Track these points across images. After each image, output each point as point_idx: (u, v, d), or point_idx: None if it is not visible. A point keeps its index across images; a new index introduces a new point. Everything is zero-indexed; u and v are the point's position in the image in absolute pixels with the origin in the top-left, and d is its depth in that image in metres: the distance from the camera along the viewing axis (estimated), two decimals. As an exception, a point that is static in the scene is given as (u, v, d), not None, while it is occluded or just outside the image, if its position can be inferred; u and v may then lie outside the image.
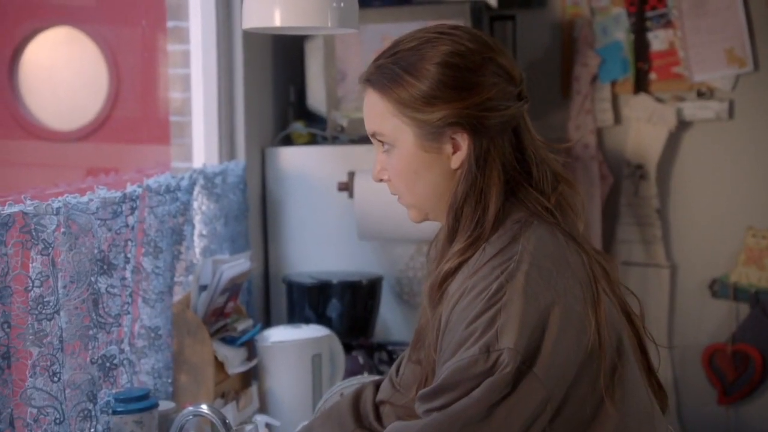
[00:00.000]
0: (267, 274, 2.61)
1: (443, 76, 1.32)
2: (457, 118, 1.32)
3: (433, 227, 1.45)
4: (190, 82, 2.41)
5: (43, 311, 1.40)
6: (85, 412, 1.52)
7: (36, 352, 1.40)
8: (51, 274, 1.41)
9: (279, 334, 2.14)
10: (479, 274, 1.27)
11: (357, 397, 1.55)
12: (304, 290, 2.40)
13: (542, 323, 1.22)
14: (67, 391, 1.48)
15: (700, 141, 3.07)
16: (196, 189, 2.13)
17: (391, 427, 1.30)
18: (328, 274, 2.46)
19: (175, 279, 1.96)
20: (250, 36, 2.41)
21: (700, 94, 3.04)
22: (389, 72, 1.35)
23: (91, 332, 1.53)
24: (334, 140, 2.61)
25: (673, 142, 3.07)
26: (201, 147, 2.42)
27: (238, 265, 2.05)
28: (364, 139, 2.54)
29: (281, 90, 2.73)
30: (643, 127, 3.07)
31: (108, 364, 1.60)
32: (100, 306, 1.57)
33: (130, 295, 1.70)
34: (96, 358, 1.56)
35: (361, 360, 2.25)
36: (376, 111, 1.37)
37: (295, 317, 2.41)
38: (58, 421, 1.42)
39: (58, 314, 1.43)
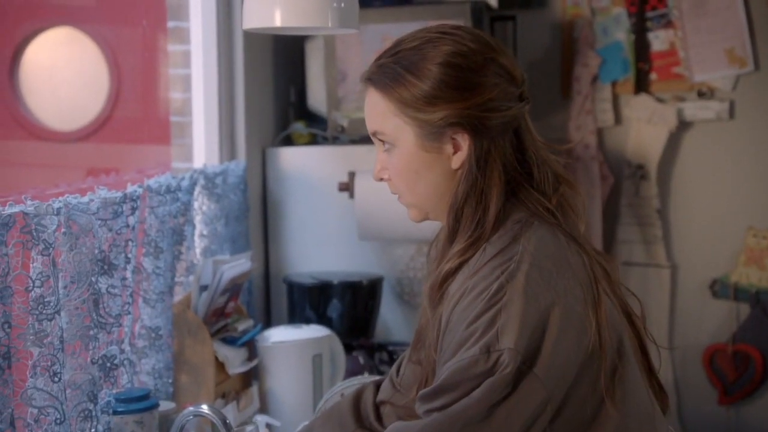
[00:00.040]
0: (267, 275, 2.61)
1: (445, 76, 1.32)
2: (458, 119, 1.32)
3: (433, 228, 1.45)
4: (190, 82, 2.41)
5: (44, 311, 1.40)
6: (86, 413, 1.52)
7: (36, 352, 1.40)
8: (51, 275, 1.41)
9: (279, 335, 2.14)
10: (480, 274, 1.27)
11: (357, 398, 1.55)
12: (304, 290, 2.40)
13: (542, 323, 1.22)
14: (67, 392, 1.48)
15: (701, 141, 3.07)
16: (197, 189, 2.13)
17: (392, 427, 1.30)
18: (329, 274, 2.46)
19: (176, 279, 1.96)
20: (250, 36, 2.41)
21: (701, 95, 3.04)
22: (391, 71, 1.35)
23: (91, 332, 1.53)
24: (335, 140, 2.61)
25: (673, 142, 3.07)
26: (201, 147, 2.42)
27: (238, 265, 2.05)
28: (364, 140, 2.55)
29: (282, 90, 2.73)
30: (643, 127, 3.07)
31: (108, 365, 1.60)
32: (101, 306, 1.58)
33: (131, 296, 1.70)
34: (96, 358, 1.56)
35: (361, 360, 2.25)
36: (378, 110, 1.37)
37: (295, 317, 2.41)
38: (58, 421, 1.42)
39: (59, 314, 1.43)
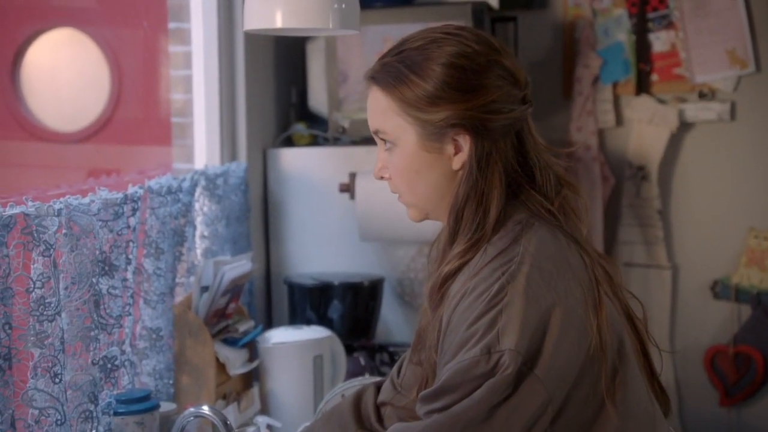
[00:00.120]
0: (268, 276, 2.61)
1: (448, 76, 1.32)
2: (460, 120, 1.32)
3: (434, 228, 1.45)
4: (191, 83, 2.41)
5: (45, 312, 1.40)
6: (87, 413, 1.52)
7: (37, 353, 1.40)
8: (52, 276, 1.41)
9: (280, 336, 2.14)
10: (480, 275, 1.27)
11: (358, 399, 1.55)
12: (305, 291, 2.40)
13: (543, 325, 1.22)
14: (68, 393, 1.48)
15: (702, 142, 3.07)
16: (198, 190, 2.13)
17: (393, 428, 1.30)
18: (330, 275, 2.46)
19: (177, 280, 1.96)
20: (251, 37, 2.41)
21: (702, 96, 3.04)
22: (394, 70, 1.35)
23: (92, 333, 1.54)
24: (336, 141, 2.61)
25: (674, 143, 3.06)
26: (202, 148, 2.42)
27: (239, 266, 2.05)
28: (365, 141, 2.56)
29: (283, 91, 2.73)
30: (644, 128, 3.07)
31: (109, 365, 1.60)
32: (102, 307, 1.58)
33: (132, 297, 1.70)
34: (97, 359, 1.56)
35: (362, 361, 2.24)
36: (380, 109, 1.37)
37: (296, 318, 2.41)
38: (59, 422, 1.42)
39: (60, 315, 1.44)
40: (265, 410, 2.10)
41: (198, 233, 2.14)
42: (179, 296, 2.00)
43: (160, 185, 1.85)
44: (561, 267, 1.28)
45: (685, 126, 3.06)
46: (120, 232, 1.61)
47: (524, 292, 1.23)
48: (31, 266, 1.39)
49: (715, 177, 3.06)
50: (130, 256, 1.66)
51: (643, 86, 3.07)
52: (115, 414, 1.61)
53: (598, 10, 3.10)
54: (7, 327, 1.35)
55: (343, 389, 1.79)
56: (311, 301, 2.39)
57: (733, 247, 3.05)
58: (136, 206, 1.66)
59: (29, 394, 1.40)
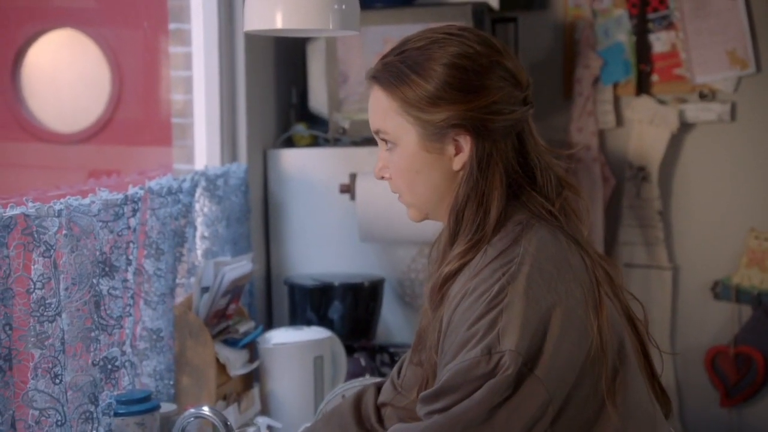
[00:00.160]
0: (269, 276, 2.61)
1: (449, 77, 1.32)
2: (461, 120, 1.32)
3: (434, 229, 1.45)
4: (192, 84, 2.41)
5: (45, 313, 1.40)
6: (87, 414, 1.52)
7: (38, 354, 1.40)
8: (53, 276, 1.41)
9: (281, 336, 2.14)
10: (481, 276, 1.27)
11: (358, 400, 1.55)
12: (305, 292, 2.40)
13: (543, 325, 1.22)
14: (68, 393, 1.48)
15: (702, 143, 3.07)
16: (198, 191, 2.13)
17: (393, 429, 1.30)
18: (330, 276, 2.46)
19: (177, 281, 1.96)
20: (251, 38, 2.41)
21: (702, 96, 3.04)
22: (396, 70, 1.35)
23: (92, 334, 1.54)
24: (336, 142, 2.61)
25: (675, 143, 3.06)
26: (203, 149, 2.42)
27: (240, 267, 2.05)
28: (365, 141, 2.56)
29: (283, 92, 2.73)
30: (645, 128, 3.07)
31: (110, 366, 1.60)
32: (102, 308, 1.58)
33: (132, 297, 1.70)
34: (98, 360, 1.56)
35: (362, 362, 2.24)
36: (381, 108, 1.37)
37: (296, 319, 2.41)
38: (59, 423, 1.42)
39: (60, 316, 1.44)
40: (265, 411, 2.10)
41: (198, 234, 2.14)
42: (180, 297, 2.00)
43: (160, 186, 1.85)
44: (561, 268, 1.28)
45: (685, 127, 3.06)
46: (120, 233, 1.61)
47: (525, 293, 1.23)
48: (32, 267, 1.39)
49: (715, 177, 3.06)
50: (131, 257, 1.66)
51: (643, 87, 3.07)
52: (116, 415, 1.61)
53: (598, 11, 3.10)
54: (7, 328, 1.35)
55: (344, 390, 1.79)
56: (312, 302, 2.39)
57: (734, 248, 3.05)
58: (136, 207, 1.66)
59: (29, 394, 1.40)
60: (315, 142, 2.67)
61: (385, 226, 2.35)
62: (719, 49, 2.99)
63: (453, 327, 1.27)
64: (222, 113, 2.41)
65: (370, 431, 1.52)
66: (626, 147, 3.11)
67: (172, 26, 2.41)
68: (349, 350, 2.26)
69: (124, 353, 1.66)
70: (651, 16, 3.05)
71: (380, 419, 1.52)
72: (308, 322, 2.35)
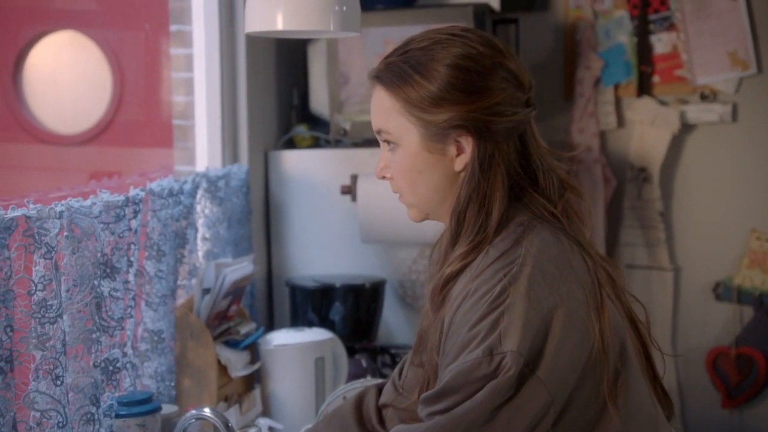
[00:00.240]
0: (270, 278, 2.61)
1: (452, 78, 1.32)
2: (463, 121, 1.32)
3: (436, 230, 1.45)
4: (193, 85, 2.42)
5: (46, 315, 1.40)
6: (88, 416, 1.52)
7: (39, 355, 1.40)
8: (54, 278, 1.41)
9: (282, 338, 2.14)
10: (482, 277, 1.27)
11: (360, 401, 1.55)
12: (307, 293, 2.40)
13: (545, 326, 1.22)
14: (70, 395, 1.48)
15: (704, 144, 3.06)
16: (199, 192, 2.13)
17: (394, 430, 1.30)
18: (331, 277, 2.46)
19: (178, 282, 1.96)
20: (253, 40, 2.41)
21: (704, 97, 3.04)
22: (398, 70, 1.35)
23: (94, 336, 1.54)
24: (337, 143, 2.61)
25: (676, 145, 3.06)
26: (204, 150, 2.42)
27: (241, 268, 2.05)
28: (367, 143, 2.56)
29: (284, 93, 2.73)
30: (646, 130, 3.07)
31: (111, 368, 1.60)
32: (103, 309, 1.58)
33: (133, 299, 1.70)
34: (99, 361, 1.56)
35: (364, 363, 2.24)
36: (383, 108, 1.37)
37: (298, 320, 2.41)
38: (60, 424, 1.43)
39: (61, 318, 1.44)
40: (266, 412, 2.10)
41: (199, 235, 2.14)
42: (181, 298, 2.00)
43: (161, 187, 1.85)
44: (563, 269, 1.28)
45: (686, 128, 3.06)
46: (121, 235, 1.61)
47: (526, 294, 1.23)
48: (33, 269, 1.39)
49: (716, 178, 3.06)
50: (132, 259, 1.67)
51: (644, 88, 3.07)
52: (117, 416, 1.61)
53: (599, 12, 3.10)
54: (8, 329, 1.35)
55: (345, 391, 1.79)
56: (313, 303, 2.39)
57: (735, 249, 3.05)
58: (137, 208, 1.66)
59: (31, 396, 1.40)
60: (316, 144, 2.67)
61: (386, 227, 2.35)
62: (720, 50, 2.99)
63: (454, 328, 1.27)
64: (223, 115, 2.42)
65: (372, 432, 1.52)
66: (627, 148, 3.11)
67: (173, 28, 2.41)
68: (351, 351, 2.26)
69: (125, 355, 1.66)
70: (652, 17, 3.05)
71: (381, 420, 1.52)
72: (309, 324, 2.35)
